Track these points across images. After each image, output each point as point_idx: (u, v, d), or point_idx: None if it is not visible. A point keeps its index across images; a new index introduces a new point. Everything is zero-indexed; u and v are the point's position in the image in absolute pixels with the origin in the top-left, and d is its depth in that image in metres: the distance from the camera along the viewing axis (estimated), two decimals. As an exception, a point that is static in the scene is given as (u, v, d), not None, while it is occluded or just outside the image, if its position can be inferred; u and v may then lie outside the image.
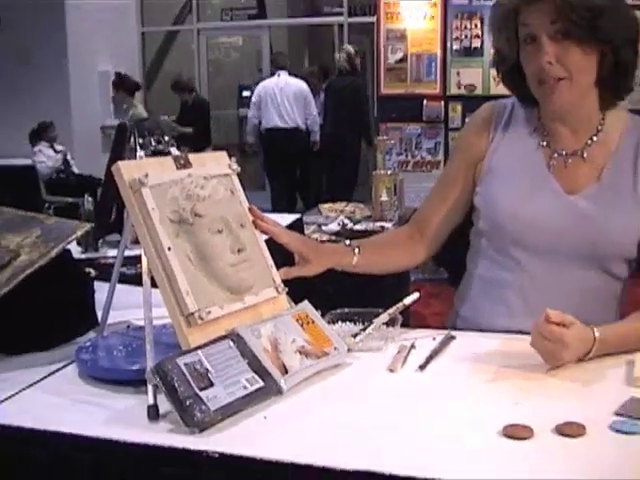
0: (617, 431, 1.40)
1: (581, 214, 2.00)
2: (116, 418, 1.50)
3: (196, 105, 10.34)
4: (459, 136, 2.39)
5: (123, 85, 9.20)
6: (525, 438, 1.37)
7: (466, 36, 7.89)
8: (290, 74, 9.96)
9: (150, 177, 1.65)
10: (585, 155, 2.05)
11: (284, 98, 9.69)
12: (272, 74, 10.27)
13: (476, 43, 7.86)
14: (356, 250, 2.07)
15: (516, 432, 1.38)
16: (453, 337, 1.94)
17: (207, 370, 1.50)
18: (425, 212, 2.25)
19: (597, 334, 1.74)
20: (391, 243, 2.28)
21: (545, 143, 2.09)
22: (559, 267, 2.03)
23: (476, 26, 7.85)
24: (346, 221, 4.86)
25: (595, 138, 2.05)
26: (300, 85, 9.82)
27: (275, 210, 8.75)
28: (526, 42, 1.96)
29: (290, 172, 10.00)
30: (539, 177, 2.06)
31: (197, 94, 10.58)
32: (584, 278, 2.03)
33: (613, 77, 1.98)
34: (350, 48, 9.35)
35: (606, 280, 2.05)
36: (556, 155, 2.07)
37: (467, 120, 2.27)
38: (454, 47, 7.94)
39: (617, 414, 1.47)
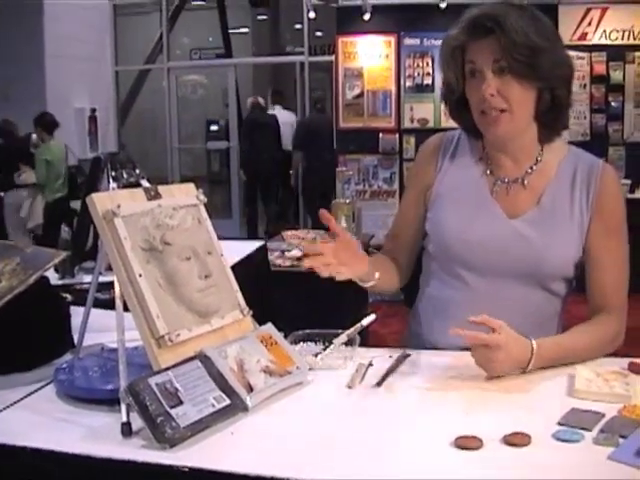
0: (560, 440, 1.41)
1: (522, 236, 2.02)
2: (92, 435, 1.49)
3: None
4: (411, 166, 2.40)
5: (41, 123, 8.84)
6: (475, 448, 1.38)
7: (418, 74, 7.98)
8: (284, 108, 11.11)
9: (122, 208, 1.64)
10: (526, 182, 2.07)
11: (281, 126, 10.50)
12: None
13: (427, 80, 7.96)
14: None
15: (467, 443, 1.39)
16: (408, 355, 1.94)
17: (177, 389, 1.49)
18: (392, 242, 2.28)
19: (534, 342, 1.77)
20: (390, 265, 2.27)
21: (489, 171, 2.11)
22: (503, 286, 2.05)
23: (427, 64, 7.95)
24: (308, 247, 4.85)
25: (535, 167, 2.08)
26: (291, 116, 11.11)
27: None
28: (471, 76, 1.99)
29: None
30: (483, 202, 2.09)
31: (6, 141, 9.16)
32: (526, 295, 2.05)
33: (549, 113, 2.01)
34: (260, 98, 10.64)
35: (546, 297, 2.07)
36: (499, 182, 2.10)
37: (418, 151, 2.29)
38: (407, 84, 8.03)
39: (560, 424, 1.48)
